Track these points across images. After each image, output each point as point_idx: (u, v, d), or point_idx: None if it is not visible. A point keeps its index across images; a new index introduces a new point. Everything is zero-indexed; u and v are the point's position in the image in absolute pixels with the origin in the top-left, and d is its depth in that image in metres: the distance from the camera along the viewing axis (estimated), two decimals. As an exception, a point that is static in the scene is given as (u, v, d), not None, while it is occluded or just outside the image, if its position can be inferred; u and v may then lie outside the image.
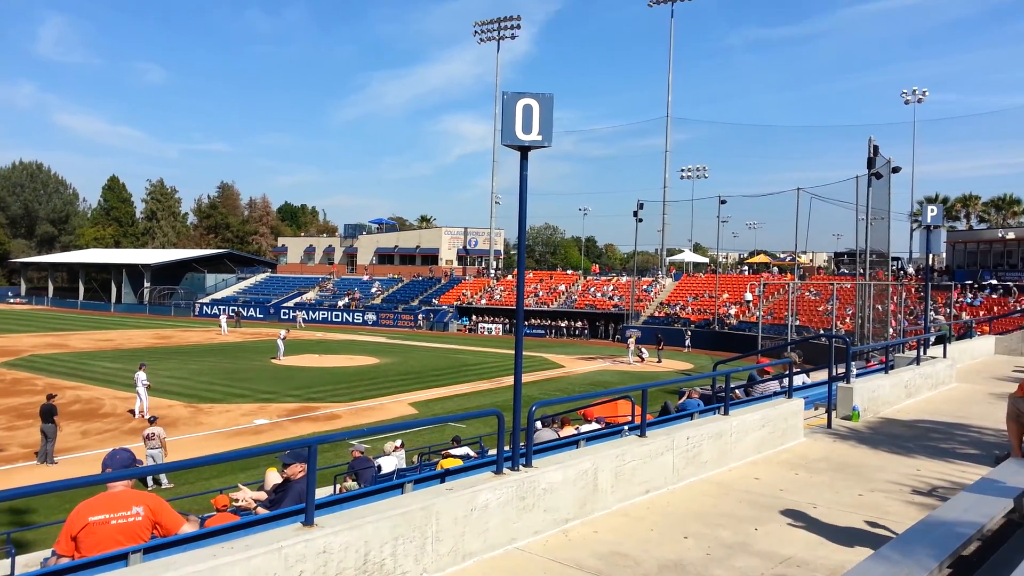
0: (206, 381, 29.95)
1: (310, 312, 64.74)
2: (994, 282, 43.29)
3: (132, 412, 22.85)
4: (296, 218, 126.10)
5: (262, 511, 6.27)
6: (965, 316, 35.14)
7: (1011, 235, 46.60)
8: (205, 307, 71.25)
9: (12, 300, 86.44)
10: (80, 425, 21.48)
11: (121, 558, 4.31)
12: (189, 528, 5.23)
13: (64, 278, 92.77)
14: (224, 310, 63.86)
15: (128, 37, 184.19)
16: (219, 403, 25.26)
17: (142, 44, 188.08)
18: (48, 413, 17.54)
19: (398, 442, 15.67)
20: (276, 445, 13.72)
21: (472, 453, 13.72)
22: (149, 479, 15.96)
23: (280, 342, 38.48)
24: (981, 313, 37.33)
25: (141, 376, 22.80)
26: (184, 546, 4.46)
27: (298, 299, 70.37)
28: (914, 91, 63.78)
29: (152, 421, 17.33)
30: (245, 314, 65.88)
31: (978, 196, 67.20)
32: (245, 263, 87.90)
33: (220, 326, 54.39)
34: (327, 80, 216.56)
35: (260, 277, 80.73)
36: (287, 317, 65.07)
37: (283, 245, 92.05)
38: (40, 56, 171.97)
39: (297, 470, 6.47)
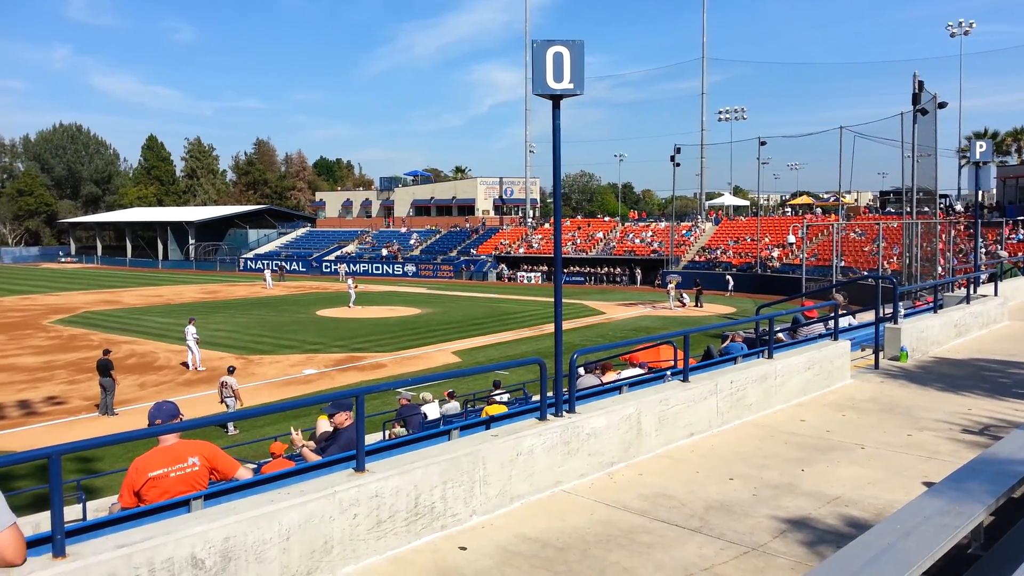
0: (254, 333, 30.67)
1: (350, 265, 65.50)
2: (1050, 217, 41.83)
3: (185, 365, 23.58)
4: (332, 172, 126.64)
5: (311, 455, 6.46)
6: (1004, 253, 34.06)
7: (1068, 168, 44.75)
8: (249, 262, 72.60)
9: (63, 259, 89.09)
10: (137, 378, 22.24)
11: (183, 504, 4.48)
12: (244, 473, 5.41)
13: (112, 236, 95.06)
14: (268, 264, 64.94)
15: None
16: (268, 354, 25.91)
17: (171, 2, 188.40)
18: (105, 368, 18.20)
19: (450, 390, 16.06)
20: (326, 395, 14.05)
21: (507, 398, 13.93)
22: (230, 425, 17.04)
23: (352, 291, 40.99)
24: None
25: (191, 330, 23.46)
26: (242, 492, 4.62)
27: (338, 252, 71.16)
28: (960, 23, 60.89)
29: (231, 371, 18.28)
30: (288, 268, 66.93)
31: (1030, 129, 64.37)
32: (285, 218, 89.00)
33: (264, 280, 55.43)
34: (355, 33, 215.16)
35: (300, 231, 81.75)
36: (328, 270, 65.99)
37: (321, 200, 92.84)
38: (72, 19, 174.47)
39: (343, 418, 6.62)
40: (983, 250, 32.29)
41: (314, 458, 6.27)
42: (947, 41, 78.84)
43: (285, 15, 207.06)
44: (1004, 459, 4.60)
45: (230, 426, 17.06)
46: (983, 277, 15.66)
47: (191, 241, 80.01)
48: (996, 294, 13.68)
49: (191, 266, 77.38)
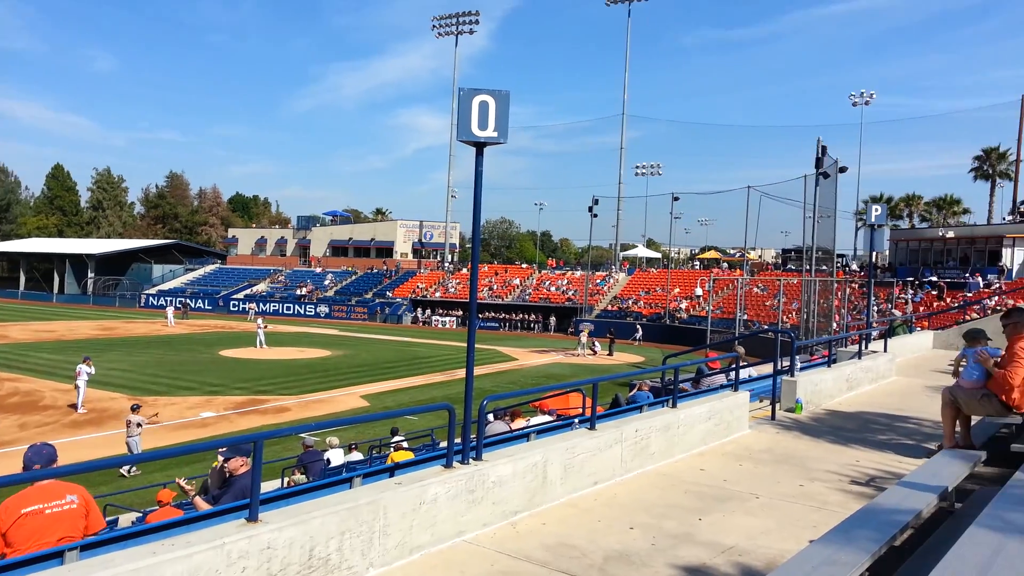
0: (151, 373, 29.25)
1: (260, 304, 63.62)
2: (934, 279, 44.70)
3: (74, 406, 22.22)
4: (248, 209, 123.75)
5: (203, 504, 6.16)
6: (898, 312, 36.24)
7: (951, 234, 48.11)
8: (151, 298, 69.56)
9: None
10: (19, 418, 20.81)
11: (57, 555, 4.18)
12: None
13: (4, 267, 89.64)
14: (171, 301, 62.36)
15: (74, 23, 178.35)
16: (164, 396, 24.70)
17: (89, 31, 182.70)
18: (-17, 407, 16.98)
19: (353, 444, 15.70)
20: (223, 440, 13.49)
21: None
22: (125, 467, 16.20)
23: (261, 332, 39.63)
24: (921, 309, 38.55)
25: (84, 368, 22.16)
26: (123, 543, 4.35)
27: (248, 291, 69.13)
28: (862, 93, 65.28)
29: (135, 409, 17.40)
30: (193, 306, 64.48)
31: (920, 196, 69.16)
32: (194, 254, 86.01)
33: (166, 318, 53.19)
34: (283, 71, 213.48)
35: (209, 268, 79.09)
36: (236, 309, 63.95)
37: (234, 236, 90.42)
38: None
39: (238, 464, 6.36)
40: (875, 308, 34.21)
41: (205, 507, 5.98)
42: (849, 110, 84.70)
43: (211, 50, 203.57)
44: (888, 509, 4.82)
45: (124, 468, 16.18)
46: (874, 334, 16.56)
47: (90, 275, 76.12)
48: (886, 350, 14.47)
49: (88, 301, 73.46)
